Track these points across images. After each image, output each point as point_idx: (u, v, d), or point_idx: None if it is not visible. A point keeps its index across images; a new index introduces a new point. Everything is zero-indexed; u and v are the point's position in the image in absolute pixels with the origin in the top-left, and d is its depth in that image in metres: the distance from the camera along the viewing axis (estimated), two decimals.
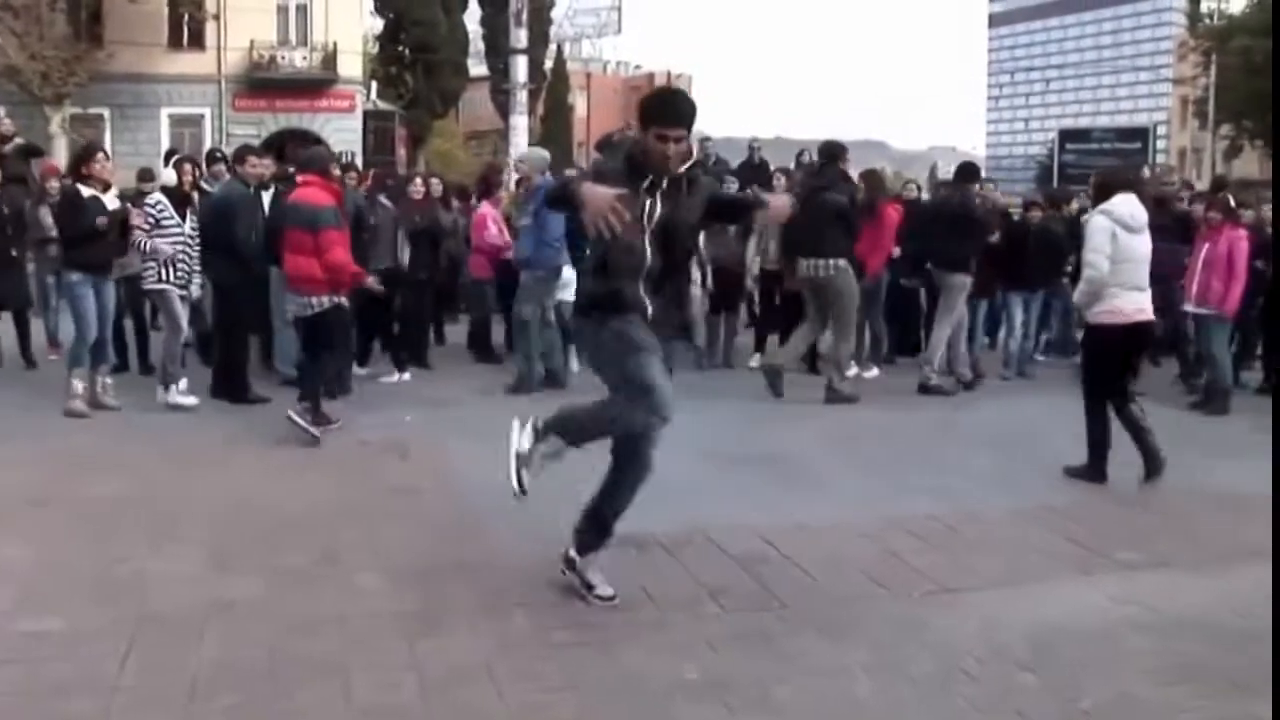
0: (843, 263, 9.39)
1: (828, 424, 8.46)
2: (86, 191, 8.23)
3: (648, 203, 4.38)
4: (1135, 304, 6.88)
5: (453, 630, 4.38)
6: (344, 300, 7.86)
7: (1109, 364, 6.97)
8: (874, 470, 7.04)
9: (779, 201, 5.06)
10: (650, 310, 4.44)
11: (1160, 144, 26.10)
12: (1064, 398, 9.41)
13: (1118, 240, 6.80)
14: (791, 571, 5.13)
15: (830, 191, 9.48)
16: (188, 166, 8.98)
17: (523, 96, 22.24)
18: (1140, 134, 26.43)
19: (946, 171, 18.13)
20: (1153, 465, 6.70)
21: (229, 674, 3.93)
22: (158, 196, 8.56)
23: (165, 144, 31.15)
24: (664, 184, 4.39)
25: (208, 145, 30.90)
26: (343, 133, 35.37)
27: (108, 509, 5.84)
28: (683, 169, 4.44)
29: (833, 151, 10.04)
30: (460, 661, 4.10)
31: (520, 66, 22.34)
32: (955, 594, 4.87)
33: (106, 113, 32.01)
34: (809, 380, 10.23)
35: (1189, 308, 9.49)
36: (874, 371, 10.64)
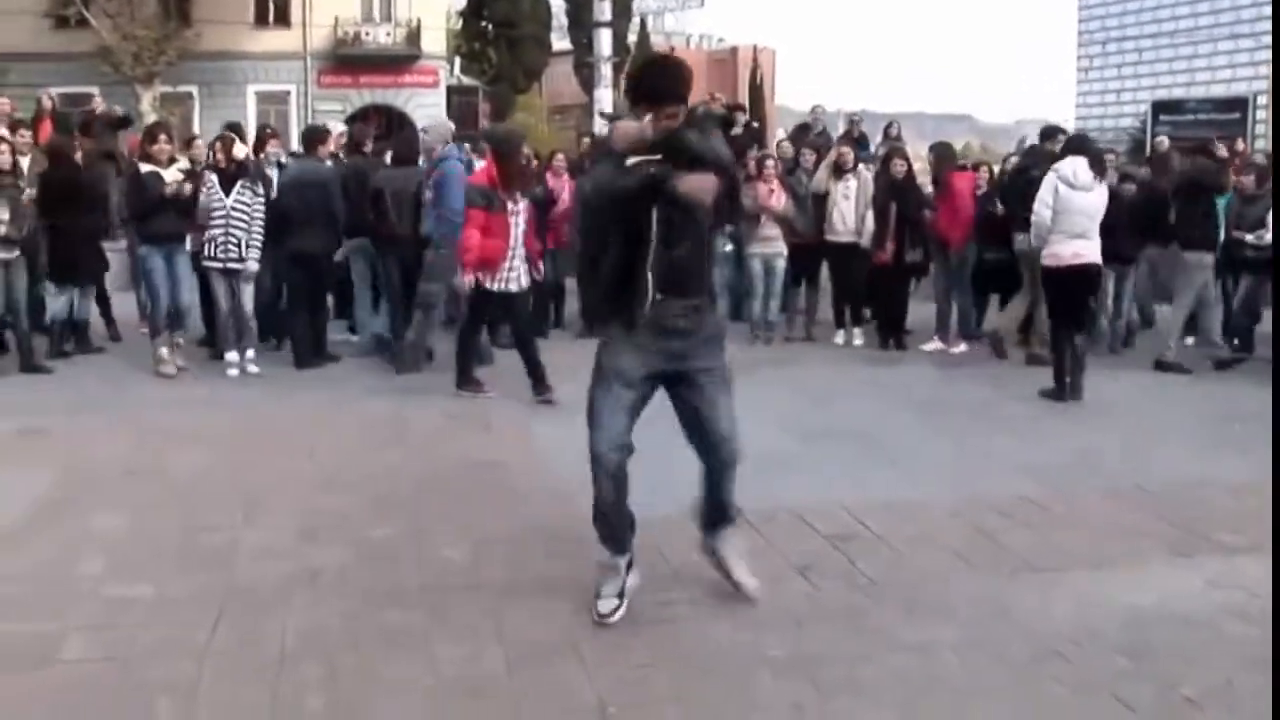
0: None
1: (917, 398, 8.33)
2: (146, 168, 8.73)
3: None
4: (1073, 250, 8.19)
5: (539, 604, 4.38)
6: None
7: (1058, 299, 8.42)
8: (963, 446, 6.92)
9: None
10: (649, 311, 4.07)
11: (1260, 114, 25.21)
12: (1156, 376, 9.26)
13: (1059, 194, 8.19)
14: (879, 549, 5.06)
15: (1033, 170, 9.57)
16: (218, 144, 9.15)
17: (607, 70, 22.20)
18: (1239, 104, 25.53)
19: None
20: (1058, 394, 8.21)
21: (316, 644, 3.98)
22: (208, 174, 8.85)
23: (252, 120, 31.69)
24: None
25: (294, 122, 31.41)
26: (426, 108, 35.55)
27: (197, 480, 5.95)
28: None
29: (1046, 133, 10.66)
30: (546, 636, 4.10)
31: (604, 39, 22.31)
32: (1046, 574, 4.76)
33: (195, 90, 32.58)
34: (896, 354, 10.14)
35: None
36: (961, 347, 10.43)
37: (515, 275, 7.97)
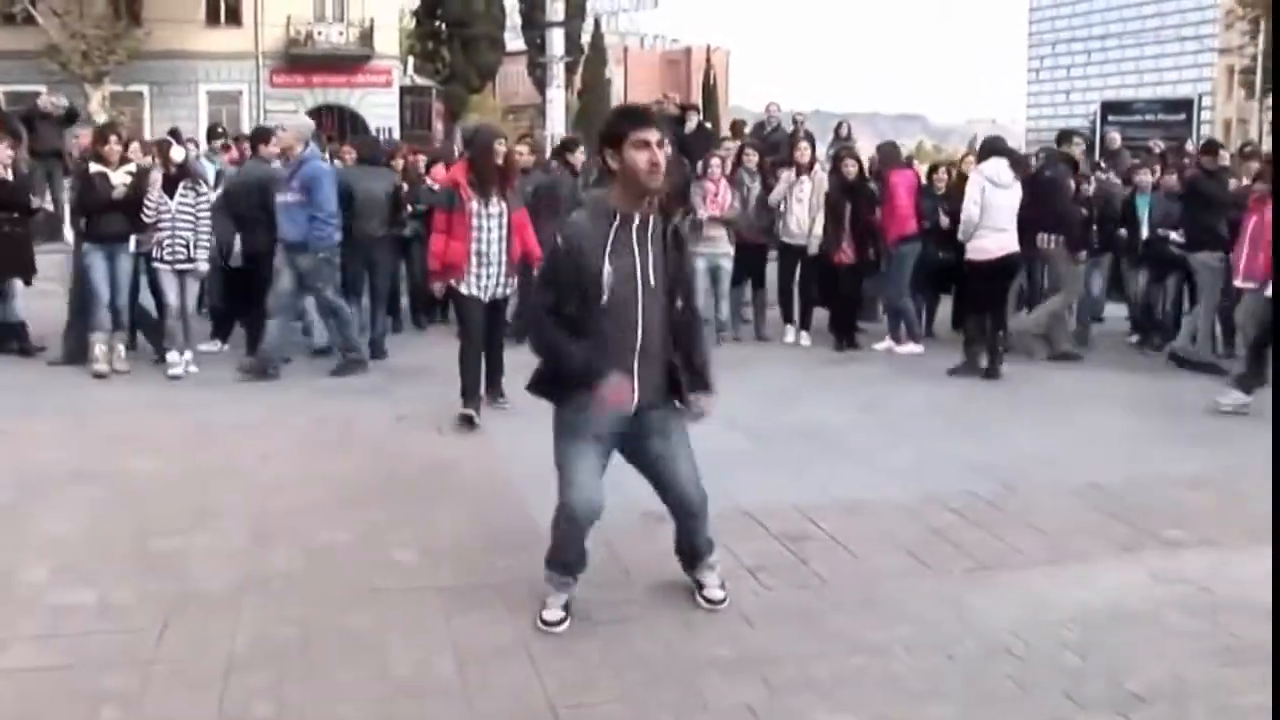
0: (1061, 238, 9.89)
1: (867, 398, 8.35)
2: (95, 169, 8.74)
3: (631, 246, 3.95)
4: (999, 243, 9.05)
5: (491, 607, 4.36)
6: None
7: (981, 288, 9.29)
8: (913, 445, 6.94)
9: None
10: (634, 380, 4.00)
11: (1205, 114, 25.58)
12: (1115, 372, 9.36)
13: (985, 193, 8.98)
14: (832, 548, 5.07)
15: (1047, 171, 10.18)
16: (154, 149, 9.31)
17: (559, 70, 22.16)
18: (1185, 105, 25.78)
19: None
20: (968, 369, 9.14)
21: (266, 650, 3.94)
22: (154, 175, 8.87)
23: (204, 120, 31.38)
24: (651, 217, 3.97)
25: (245, 121, 31.11)
26: (380, 108, 35.48)
27: (146, 483, 5.86)
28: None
29: (1063, 136, 11.09)
30: (498, 639, 4.08)
31: (557, 39, 22.28)
32: (997, 572, 4.80)
33: (146, 90, 32.23)
34: (849, 354, 10.18)
35: (1239, 283, 9.21)
36: (911, 346, 10.47)
37: (489, 284, 7.38)
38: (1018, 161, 9.51)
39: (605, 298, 3.90)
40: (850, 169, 10.58)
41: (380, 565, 4.79)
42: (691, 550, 4.42)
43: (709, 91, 64.03)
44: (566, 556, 4.21)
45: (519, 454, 6.24)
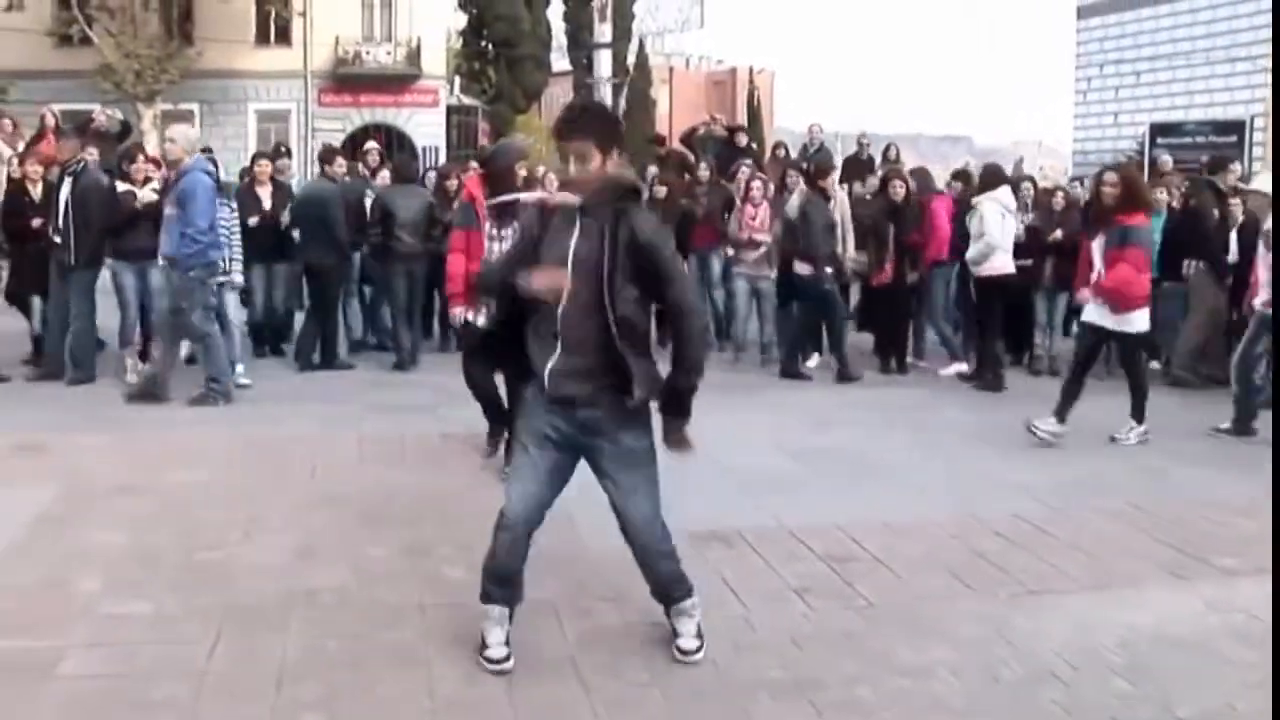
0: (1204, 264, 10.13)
1: (915, 420, 8.34)
2: (121, 187, 9.00)
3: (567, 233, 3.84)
4: (1005, 261, 9.93)
5: (538, 623, 4.37)
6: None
7: (1000, 305, 10.09)
8: (956, 467, 6.94)
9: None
10: (550, 370, 3.85)
11: (1258, 136, 25.30)
12: (1166, 395, 9.28)
13: (1004, 218, 9.84)
14: (876, 570, 5.07)
15: (1192, 200, 10.64)
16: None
17: (606, 91, 22.28)
18: (1236, 127, 25.55)
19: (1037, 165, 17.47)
20: (976, 377, 9.97)
21: (314, 664, 3.97)
22: None
23: (253, 138, 31.83)
24: (584, 211, 3.83)
25: (294, 140, 31.49)
26: (426, 127, 35.75)
27: (195, 496, 5.93)
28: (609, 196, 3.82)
29: (1212, 165, 11.46)
30: (545, 655, 4.10)
31: (604, 61, 22.40)
32: (1043, 596, 4.78)
33: (196, 108, 32.63)
34: (896, 376, 10.17)
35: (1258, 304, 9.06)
36: (957, 368, 10.43)
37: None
38: (1016, 190, 10.64)
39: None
40: (898, 190, 10.59)
41: (428, 581, 4.83)
42: (655, 589, 4.18)
43: (753, 112, 64.12)
44: (496, 566, 4.00)
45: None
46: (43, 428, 7.38)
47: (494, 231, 6.46)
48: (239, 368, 9.08)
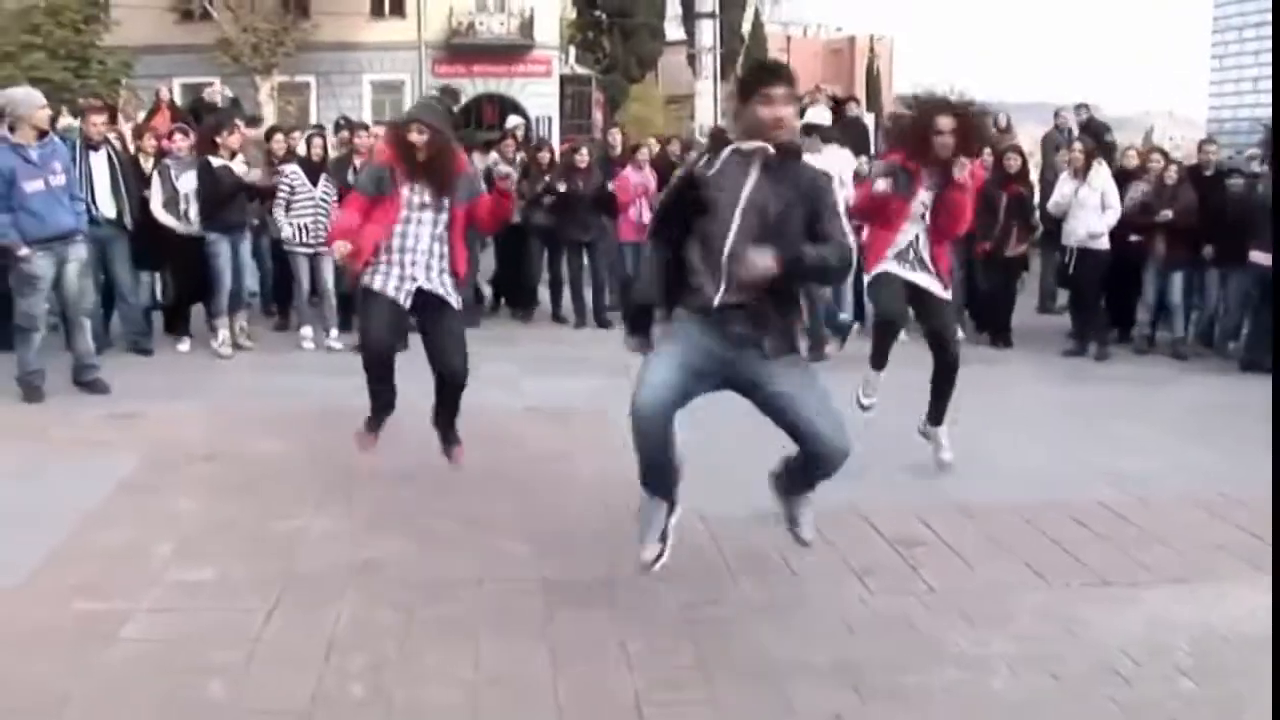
0: None
1: (1004, 400, 8.13)
2: (216, 161, 9.19)
3: (745, 177, 4.03)
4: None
5: (591, 601, 4.38)
6: None
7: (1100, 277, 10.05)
8: (1045, 449, 6.74)
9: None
10: (716, 306, 4.02)
11: None
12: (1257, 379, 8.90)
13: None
14: (945, 555, 4.95)
15: None
16: (318, 140, 9.86)
17: (708, 61, 22.08)
18: None
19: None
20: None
21: (365, 633, 4.03)
22: (293, 166, 9.52)
23: (368, 110, 32.34)
24: (768, 156, 4.00)
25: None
26: (540, 97, 35.91)
27: (274, 467, 6.06)
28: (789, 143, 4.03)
29: None
30: (595, 633, 4.09)
31: (706, 30, 22.18)
32: (1117, 588, 4.61)
33: (312, 81, 33.31)
34: (983, 353, 9.93)
35: None
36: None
37: (404, 286, 5.57)
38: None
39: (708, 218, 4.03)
40: (1013, 163, 10.37)
41: (488, 555, 4.85)
42: (798, 477, 4.31)
43: (872, 81, 63.12)
44: (642, 468, 4.15)
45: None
46: (137, 395, 7.60)
47: (426, 201, 5.60)
48: (333, 332, 9.48)
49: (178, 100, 19.42)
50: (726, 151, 4.07)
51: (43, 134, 7.45)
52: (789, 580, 4.55)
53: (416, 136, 5.49)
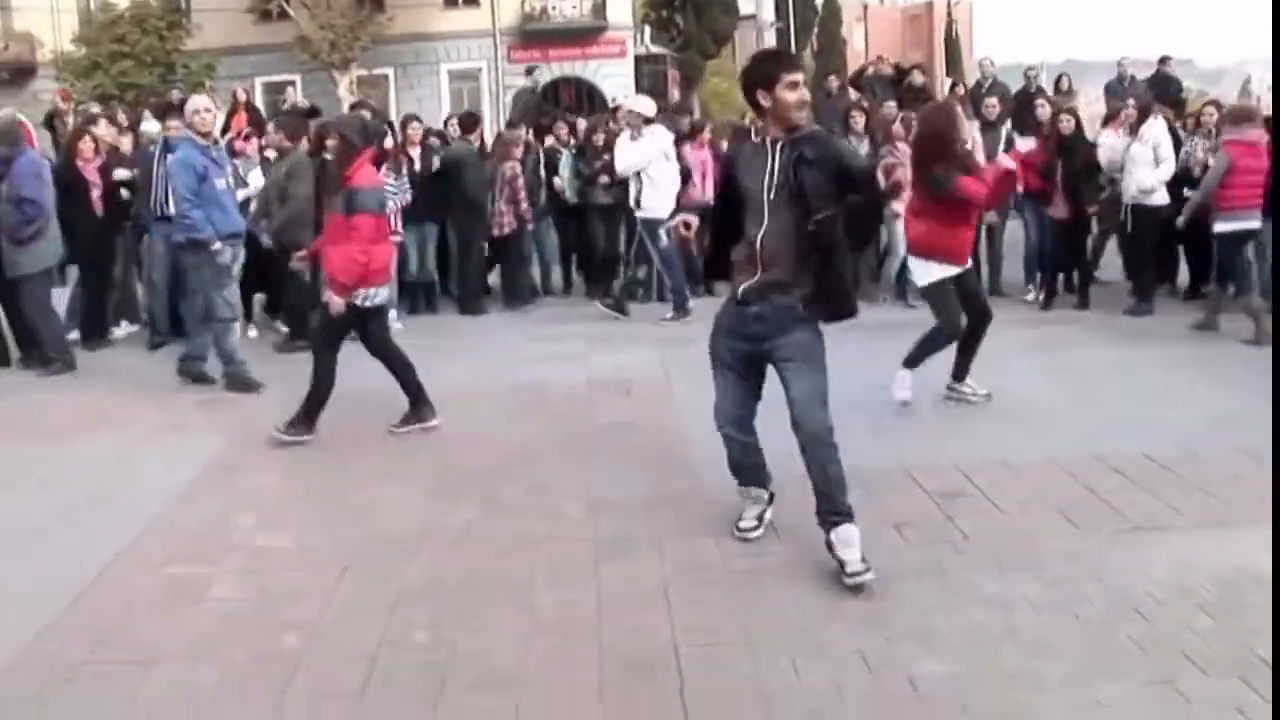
0: None
1: (1059, 359, 8.22)
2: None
3: (769, 161, 4.39)
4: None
5: (640, 555, 4.67)
6: None
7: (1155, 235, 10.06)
8: (1096, 407, 6.84)
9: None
10: (754, 284, 4.46)
11: None
12: None
13: None
14: (983, 506, 5.14)
15: None
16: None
17: (770, 36, 22.15)
18: None
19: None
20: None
21: (430, 589, 4.38)
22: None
23: (446, 99, 32.82)
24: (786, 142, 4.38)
25: (485, 98, 32.36)
26: (615, 78, 36.03)
27: (355, 443, 6.43)
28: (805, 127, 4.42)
29: None
30: (641, 584, 4.39)
31: (766, 5, 22.24)
32: (1147, 533, 4.77)
33: (390, 73, 33.87)
34: (1027, 313, 9.98)
35: None
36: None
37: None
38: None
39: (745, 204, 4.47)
40: (1067, 125, 10.38)
41: (548, 516, 5.18)
42: (816, 489, 4.46)
43: (951, 46, 62.11)
44: (730, 463, 4.80)
45: (698, 416, 6.51)
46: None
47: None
48: (392, 313, 9.63)
49: (259, 100, 20.02)
50: (747, 144, 4.60)
51: (210, 137, 7.95)
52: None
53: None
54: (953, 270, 6.72)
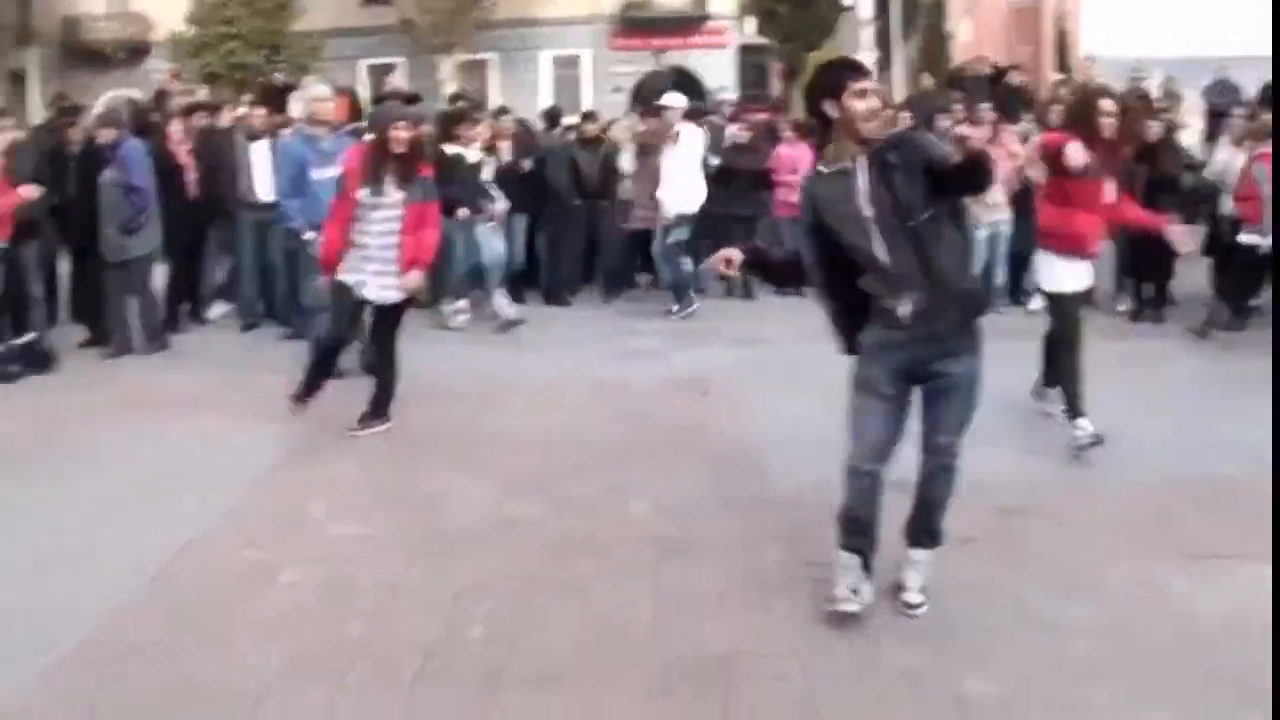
0: None
1: (1139, 374, 8.04)
2: (451, 149, 9.48)
3: (855, 182, 3.98)
4: None
5: (702, 558, 4.74)
6: None
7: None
8: (1174, 422, 6.70)
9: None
10: (910, 311, 4.01)
11: None
12: None
13: None
14: (1048, 525, 5.10)
15: None
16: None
17: (868, 33, 21.89)
18: None
19: None
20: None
21: (494, 584, 4.50)
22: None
23: (548, 85, 33.02)
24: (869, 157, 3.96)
25: (586, 84, 32.50)
26: (717, 68, 35.88)
27: (433, 434, 6.59)
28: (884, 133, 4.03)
29: None
30: (700, 589, 4.45)
31: (864, 2, 21.95)
32: (1215, 561, 4.69)
33: (493, 58, 34.15)
34: (1128, 327, 9.76)
35: None
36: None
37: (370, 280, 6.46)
38: None
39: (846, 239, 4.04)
40: (1149, 129, 10.11)
41: (614, 517, 5.27)
42: (921, 501, 4.30)
43: (1060, 41, 60.83)
44: (845, 514, 4.20)
45: (772, 419, 6.60)
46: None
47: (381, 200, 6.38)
48: (461, 303, 10.02)
49: (364, 82, 20.34)
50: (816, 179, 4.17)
51: (332, 126, 8.12)
52: (886, 545, 4.75)
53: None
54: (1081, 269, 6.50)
